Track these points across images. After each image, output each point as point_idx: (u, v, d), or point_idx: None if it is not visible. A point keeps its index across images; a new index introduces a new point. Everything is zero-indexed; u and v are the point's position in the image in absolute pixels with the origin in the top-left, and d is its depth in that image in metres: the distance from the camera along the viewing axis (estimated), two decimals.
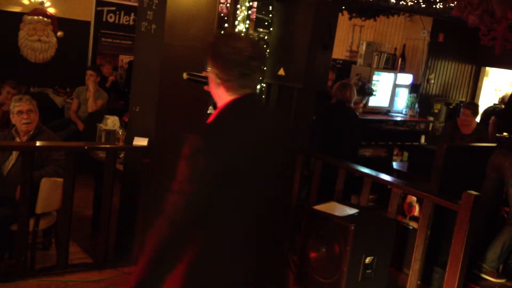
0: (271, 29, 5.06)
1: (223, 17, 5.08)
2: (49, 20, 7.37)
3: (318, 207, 3.63)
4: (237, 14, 4.87)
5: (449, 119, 7.67)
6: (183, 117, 3.95)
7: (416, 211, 4.25)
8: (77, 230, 4.29)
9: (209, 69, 1.88)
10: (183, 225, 1.73)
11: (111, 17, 8.01)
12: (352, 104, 5.15)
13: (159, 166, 3.91)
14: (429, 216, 3.47)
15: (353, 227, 3.28)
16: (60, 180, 3.74)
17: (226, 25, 4.96)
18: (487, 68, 8.73)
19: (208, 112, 4.65)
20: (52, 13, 7.46)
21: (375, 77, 7.10)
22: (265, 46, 4.89)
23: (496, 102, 7.76)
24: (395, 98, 7.51)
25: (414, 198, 4.23)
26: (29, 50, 7.33)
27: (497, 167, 4.25)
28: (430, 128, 7.66)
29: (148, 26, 3.82)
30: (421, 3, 6.40)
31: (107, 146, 4.05)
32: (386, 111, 7.32)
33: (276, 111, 1.98)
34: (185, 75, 2.07)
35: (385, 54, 7.31)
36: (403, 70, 7.67)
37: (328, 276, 3.42)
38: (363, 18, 7.87)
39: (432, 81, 8.33)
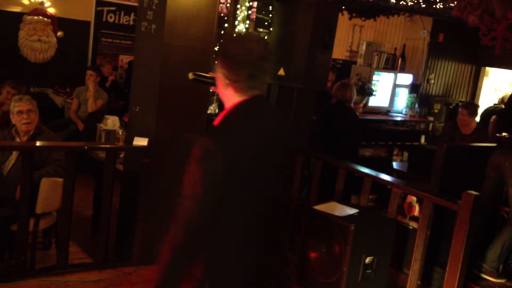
0: (271, 29, 5.07)
1: (223, 17, 5.08)
2: (49, 20, 7.37)
3: (318, 207, 3.63)
4: (237, 14, 4.88)
5: (449, 119, 7.66)
6: (183, 117, 3.96)
7: (416, 211, 4.25)
8: (77, 230, 4.29)
9: (217, 69, 1.86)
10: (198, 229, 1.72)
11: (111, 17, 8.01)
12: (352, 104, 5.15)
13: (160, 166, 3.91)
14: (429, 216, 3.47)
15: (353, 227, 3.28)
16: (60, 180, 3.74)
17: (226, 25, 4.96)
18: (487, 68, 8.73)
19: (208, 112, 4.65)
20: (52, 13, 7.46)
21: (375, 77, 7.10)
22: None
23: (496, 102, 7.76)
24: (395, 98, 7.52)
25: (414, 198, 4.23)
26: (29, 50, 7.33)
27: (497, 167, 4.25)
28: (430, 128, 7.67)
29: (148, 26, 3.82)
30: (421, 3, 6.40)
31: (107, 146, 4.05)
32: (386, 111, 7.33)
33: (278, 111, 1.96)
34: (190, 75, 2.06)
35: (385, 54, 7.32)
36: (403, 70, 7.67)
37: (328, 276, 3.42)
38: (363, 18, 7.87)
39: (432, 81, 8.33)
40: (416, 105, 7.79)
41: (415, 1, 6.37)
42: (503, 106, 7.00)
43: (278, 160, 1.93)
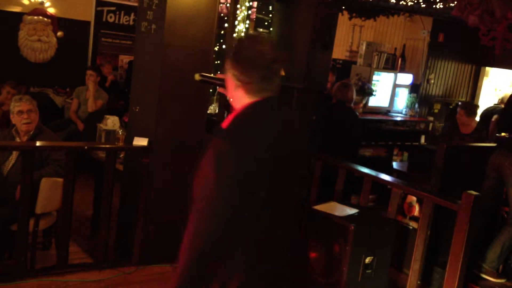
0: (271, 29, 5.07)
1: (223, 17, 5.08)
2: (49, 20, 7.37)
3: (318, 207, 3.63)
4: (237, 14, 4.87)
5: (449, 119, 7.67)
6: (183, 117, 3.96)
7: (416, 211, 4.25)
8: (77, 230, 4.29)
9: (227, 70, 1.85)
10: (214, 233, 1.69)
11: (111, 17, 8.01)
12: (352, 104, 5.15)
13: (160, 166, 3.91)
14: (429, 216, 3.47)
15: (353, 227, 3.28)
16: (60, 180, 3.74)
17: (226, 25, 4.96)
18: (487, 68, 8.73)
19: (208, 112, 4.65)
20: (52, 13, 7.46)
21: (375, 77, 7.11)
22: None
23: (496, 102, 7.77)
24: (395, 98, 7.52)
25: (414, 198, 4.23)
26: (29, 50, 7.32)
27: (497, 167, 4.25)
28: (430, 128, 7.67)
29: (148, 26, 3.82)
30: (421, 3, 6.40)
31: (107, 146, 4.05)
32: (386, 111, 7.33)
33: (291, 113, 1.95)
34: (197, 76, 2.05)
35: (385, 54, 7.32)
36: (403, 70, 7.67)
37: (328, 276, 3.42)
38: (363, 18, 7.87)
39: (432, 81, 8.34)
40: (416, 105, 7.79)
41: (415, 1, 6.37)
42: (502, 106, 7.00)
43: (291, 162, 1.92)
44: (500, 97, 7.78)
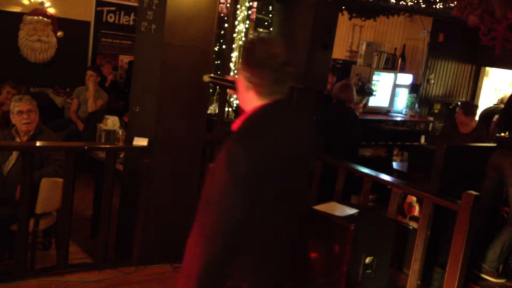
0: (271, 29, 5.07)
1: (223, 17, 5.08)
2: (49, 20, 7.37)
3: (318, 207, 3.63)
4: (237, 14, 4.88)
5: (448, 119, 7.67)
6: (183, 117, 3.96)
7: (416, 211, 4.25)
8: (77, 230, 4.28)
9: (239, 72, 1.85)
10: (229, 236, 1.68)
11: (111, 17, 8.01)
12: (352, 104, 5.15)
13: (160, 166, 3.91)
14: (429, 216, 3.47)
15: (353, 227, 3.28)
16: (60, 180, 3.74)
17: (226, 25, 4.96)
18: (487, 68, 8.73)
19: (208, 112, 4.65)
20: (52, 13, 7.46)
21: (375, 77, 7.10)
22: None
23: (496, 102, 7.77)
24: (395, 98, 7.52)
25: (414, 198, 4.23)
26: (29, 50, 7.33)
27: (497, 167, 4.25)
28: (430, 128, 7.67)
29: (148, 26, 3.82)
30: (421, 3, 6.40)
31: (107, 146, 4.05)
32: (386, 111, 7.33)
33: (302, 115, 1.95)
34: (206, 78, 2.06)
35: (385, 54, 7.32)
36: (403, 70, 7.67)
37: (328, 276, 3.42)
38: (363, 18, 7.87)
39: (432, 81, 8.34)
40: (416, 105, 7.79)
41: (415, 1, 6.38)
42: (502, 106, 7.00)
43: (300, 164, 1.92)
44: (499, 97, 7.78)
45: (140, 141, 3.86)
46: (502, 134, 5.81)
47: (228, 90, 1.94)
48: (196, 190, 4.14)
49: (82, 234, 4.40)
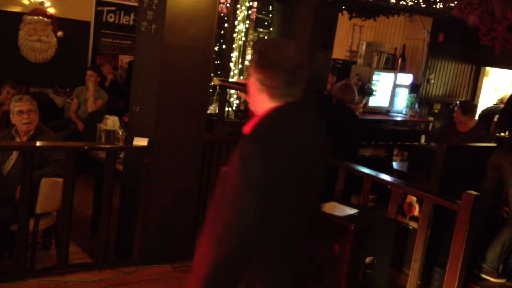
0: (271, 29, 5.07)
1: (223, 17, 5.08)
2: (49, 20, 7.37)
3: None
4: (237, 14, 4.87)
5: (449, 119, 7.67)
6: (183, 117, 3.96)
7: (416, 211, 4.24)
8: (77, 230, 4.28)
9: (251, 74, 1.85)
10: (242, 238, 1.67)
11: (111, 17, 8.01)
12: (352, 104, 5.15)
13: (160, 166, 3.91)
14: (429, 216, 3.47)
15: (353, 227, 3.28)
16: (60, 180, 3.74)
17: (226, 25, 4.96)
18: (487, 68, 8.73)
19: (208, 112, 4.65)
20: (52, 13, 7.46)
21: (375, 77, 7.10)
22: None
23: (496, 102, 7.77)
24: (395, 98, 7.52)
25: (414, 198, 4.23)
26: (29, 50, 7.32)
27: (497, 167, 4.25)
28: (430, 128, 7.67)
29: (148, 26, 3.82)
30: (421, 3, 6.40)
31: (107, 146, 4.05)
32: (386, 111, 7.33)
33: (315, 117, 1.94)
34: (216, 81, 2.07)
35: (385, 54, 7.32)
36: (403, 70, 7.67)
37: (328, 276, 3.42)
38: (363, 18, 7.87)
39: (432, 81, 8.34)
40: (416, 105, 7.79)
41: (415, 1, 6.38)
42: (502, 106, 7.00)
43: (312, 167, 1.91)
44: (499, 97, 7.78)
45: (140, 141, 3.86)
46: (502, 134, 5.81)
47: (239, 93, 1.93)
48: (196, 190, 4.14)
49: (82, 234, 4.40)
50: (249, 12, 4.99)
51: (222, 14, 5.12)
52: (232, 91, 4.75)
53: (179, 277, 3.88)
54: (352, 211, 3.57)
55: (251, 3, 4.99)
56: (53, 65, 7.51)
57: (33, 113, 3.95)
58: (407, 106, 7.70)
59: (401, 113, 7.63)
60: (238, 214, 1.67)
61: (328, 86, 5.70)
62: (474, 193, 3.15)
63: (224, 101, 4.61)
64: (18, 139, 3.94)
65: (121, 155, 4.28)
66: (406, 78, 7.62)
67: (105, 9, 7.93)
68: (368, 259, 3.39)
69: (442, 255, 3.87)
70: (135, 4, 7.09)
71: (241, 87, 1.92)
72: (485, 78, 8.79)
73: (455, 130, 5.62)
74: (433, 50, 8.15)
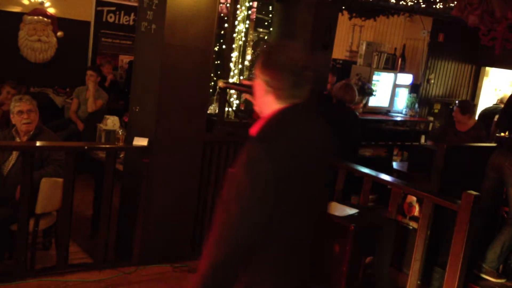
0: (271, 29, 5.06)
1: (223, 17, 5.08)
2: (49, 20, 7.37)
3: None
4: (237, 14, 4.87)
5: (448, 119, 7.67)
6: (183, 117, 3.96)
7: (416, 211, 4.24)
8: (77, 230, 4.29)
9: (257, 76, 1.84)
10: (245, 239, 1.67)
11: (111, 17, 8.01)
12: (352, 104, 5.15)
13: (160, 166, 3.91)
14: (429, 216, 3.47)
15: (353, 227, 3.28)
16: (60, 180, 3.74)
17: (226, 25, 4.96)
18: (487, 68, 8.73)
19: (208, 112, 4.65)
20: (52, 13, 7.46)
21: (375, 77, 7.10)
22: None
23: (495, 102, 7.77)
24: (395, 98, 7.52)
25: (414, 198, 4.23)
26: (29, 50, 7.32)
27: (497, 167, 4.25)
28: (430, 128, 7.67)
29: (148, 26, 3.82)
30: (421, 3, 6.40)
31: (107, 146, 4.05)
32: (386, 111, 7.33)
33: (321, 119, 1.94)
34: (221, 83, 2.05)
35: (385, 54, 7.32)
36: (403, 70, 7.67)
37: (328, 276, 3.42)
38: (363, 18, 7.87)
39: (432, 81, 8.34)
40: (416, 105, 7.79)
41: (415, 1, 6.38)
42: (502, 106, 7.00)
43: (325, 170, 1.92)
44: (499, 97, 7.77)
45: (140, 141, 3.86)
46: (502, 134, 5.80)
47: (244, 95, 1.91)
48: (196, 190, 4.14)
49: (82, 234, 4.40)
50: (249, 12, 4.99)
51: (222, 14, 5.12)
52: (232, 91, 4.75)
53: (179, 277, 3.89)
54: (352, 211, 3.57)
55: (251, 3, 4.99)
56: (53, 65, 7.51)
57: (33, 113, 3.95)
58: (407, 106, 7.70)
59: (401, 113, 7.63)
60: (243, 215, 1.67)
61: (328, 86, 5.70)
62: (474, 193, 3.15)
63: (224, 101, 4.61)
64: (18, 139, 3.94)
65: (121, 155, 4.29)
66: (406, 78, 7.62)
67: (105, 9, 7.93)
68: (368, 259, 3.40)
69: (442, 255, 3.87)
70: (135, 4, 7.09)
71: (247, 88, 1.92)
72: (485, 78, 8.79)
73: (454, 129, 5.62)
74: (433, 50, 8.15)
